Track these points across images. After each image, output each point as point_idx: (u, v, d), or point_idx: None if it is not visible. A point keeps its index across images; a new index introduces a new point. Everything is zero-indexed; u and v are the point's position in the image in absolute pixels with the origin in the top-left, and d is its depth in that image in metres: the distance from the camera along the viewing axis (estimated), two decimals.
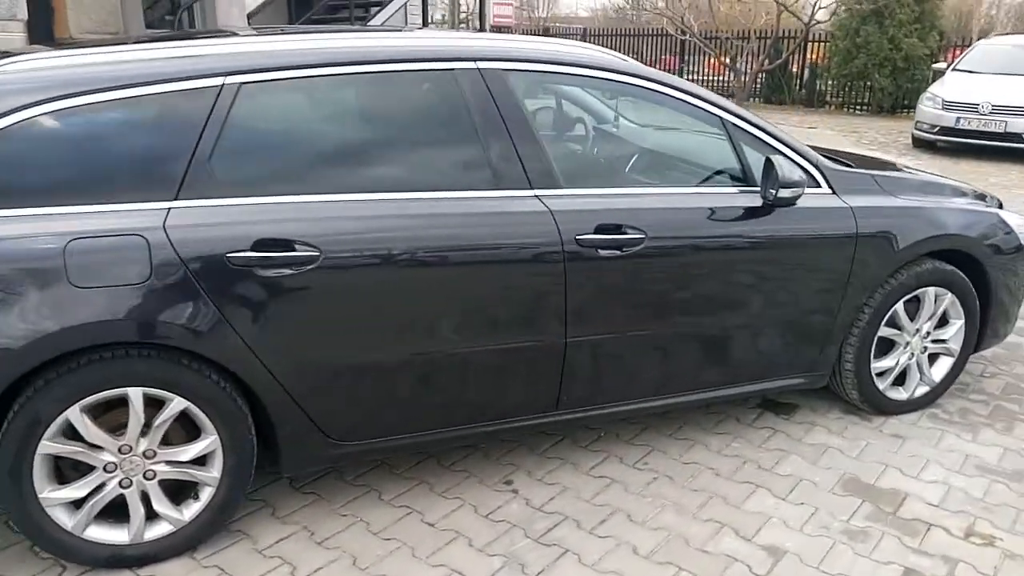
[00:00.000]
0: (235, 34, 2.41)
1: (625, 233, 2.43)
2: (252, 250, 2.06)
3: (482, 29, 11.58)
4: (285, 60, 2.19)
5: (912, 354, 3.09)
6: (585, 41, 20.17)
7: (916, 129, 10.70)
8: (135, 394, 2.03)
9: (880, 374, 3.05)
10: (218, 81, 2.11)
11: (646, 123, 2.82)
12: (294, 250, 2.09)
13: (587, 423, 2.76)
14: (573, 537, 2.35)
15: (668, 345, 2.63)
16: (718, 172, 2.71)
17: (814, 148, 3.75)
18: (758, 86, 17.63)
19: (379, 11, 9.59)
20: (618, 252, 2.43)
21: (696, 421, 3.03)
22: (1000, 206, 3.33)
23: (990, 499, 2.56)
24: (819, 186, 2.77)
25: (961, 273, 3.01)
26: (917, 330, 3.05)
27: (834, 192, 2.78)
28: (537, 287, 2.36)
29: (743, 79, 17.69)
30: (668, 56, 19.65)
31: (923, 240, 2.88)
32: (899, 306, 2.95)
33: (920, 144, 10.71)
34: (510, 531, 2.37)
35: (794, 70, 17.31)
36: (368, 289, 2.20)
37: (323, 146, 2.26)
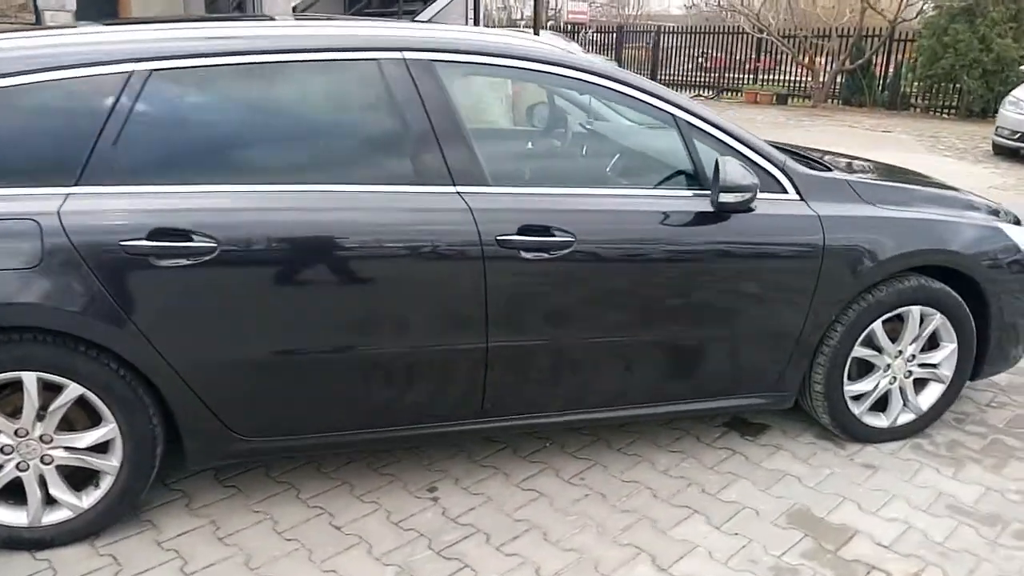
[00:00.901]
0: (162, 21, 2.39)
1: (553, 235, 2.30)
2: (148, 239, 2.03)
3: (536, 24, 11.45)
4: (198, 48, 2.16)
5: (894, 378, 2.83)
6: (659, 39, 19.80)
7: (996, 135, 10.00)
8: (29, 379, 2.04)
9: (857, 398, 2.81)
10: (127, 68, 2.09)
11: (595, 121, 2.67)
12: (191, 240, 2.06)
13: (517, 432, 2.64)
14: (476, 552, 2.24)
15: (605, 356, 2.48)
16: (668, 174, 2.54)
17: (819, 150, 3.53)
18: (837, 87, 16.88)
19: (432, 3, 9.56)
20: (545, 255, 2.30)
21: (652, 436, 2.87)
22: (1017, 222, 3.03)
23: (951, 543, 2.32)
24: (785, 192, 2.56)
25: (953, 292, 2.74)
26: (900, 352, 2.80)
27: (802, 199, 2.57)
28: (454, 288, 2.26)
29: (821, 79, 17.00)
30: (744, 55, 19.03)
31: (903, 254, 2.63)
32: (876, 325, 2.71)
33: (1001, 151, 10.00)
34: (415, 541, 2.28)
35: (877, 71, 16.48)
36: (267, 283, 2.14)
37: (231, 136, 2.22)
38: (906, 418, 2.89)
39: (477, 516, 2.40)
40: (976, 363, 2.93)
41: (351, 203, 2.19)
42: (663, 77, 20.13)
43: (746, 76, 18.91)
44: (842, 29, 16.98)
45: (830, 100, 16.96)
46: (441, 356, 2.32)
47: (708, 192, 2.44)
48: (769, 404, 2.76)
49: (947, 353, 2.84)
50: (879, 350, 2.77)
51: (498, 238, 2.25)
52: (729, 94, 18.73)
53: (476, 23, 10.85)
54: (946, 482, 2.64)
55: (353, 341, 2.24)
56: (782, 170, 2.57)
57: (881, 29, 16.16)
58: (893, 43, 15.96)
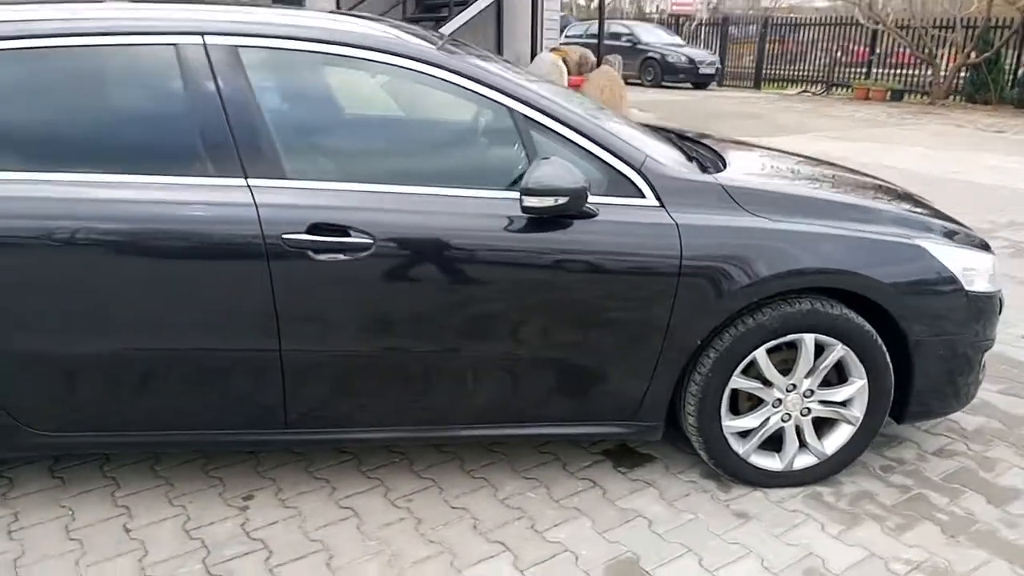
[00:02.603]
0: None
1: (348, 235, 2.11)
2: None
3: (601, 11, 11.04)
4: None
5: (788, 415, 2.45)
6: (766, 30, 18.75)
7: None
8: None
9: (745, 435, 2.45)
10: None
11: (420, 113, 2.42)
12: None
13: (330, 447, 2.49)
14: (249, 572, 2.09)
15: (419, 370, 2.26)
16: (498, 173, 2.27)
17: (753, 145, 3.14)
18: (959, 82, 15.43)
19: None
20: (340, 256, 2.11)
21: (513, 459, 2.62)
22: (983, 247, 2.55)
23: None
24: (641, 196, 2.25)
25: (858, 320, 2.33)
26: (793, 386, 2.41)
27: (661, 205, 2.25)
28: (238, 289, 2.11)
29: (942, 74, 15.61)
30: (858, 47, 17.74)
31: (782, 274, 2.25)
32: (759, 354, 2.34)
33: None
34: (193, 553, 2.16)
35: (1006, 65, 14.93)
36: (44, 276, 2.06)
37: (12, 122, 2.15)
38: (805, 462, 2.50)
39: (274, 531, 2.25)
40: (901, 403, 2.50)
41: (136, 195, 2.08)
42: (771, 71, 19.12)
43: (859, 70, 17.63)
44: (967, 19, 15.48)
45: (952, 97, 15.53)
46: (230, 362, 2.18)
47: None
48: (633, 434, 2.44)
49: (854, 390, 2.42)
50: (766, 382, 2.40)
51: (284, 236, 2.08)
52: (839, 90, 17.53)
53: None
54: (824, 541, 2.24)
55: (132, 341, 2.13)
56: (639, 171, 2.25)
57: (1012, 19, 14.61)
58: None
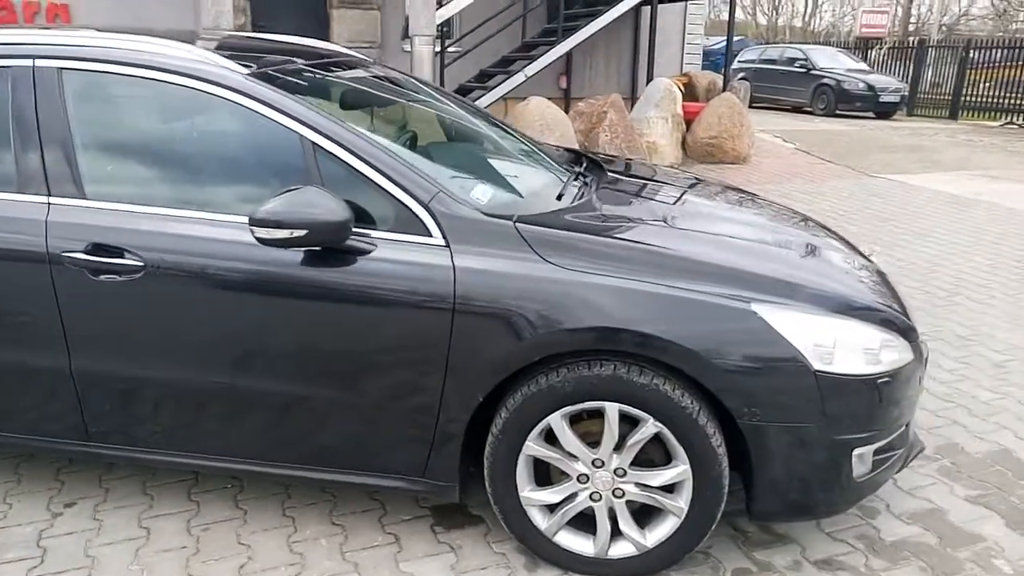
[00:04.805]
0: None
1: (123, 257, 2.13)
2: None
3: (730, 33, 10.39)
4: None
5: (598, 495, 2.13)
6: (967, 54, 16.76)
7: None
8: None
9: (552, 509, 2.17)
10: None
11: (220, 138, 2.32)
12: None
13: (128, 463, 2.51)
14: None
15: (196, 398, 2.22)
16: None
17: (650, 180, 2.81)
18: None
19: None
20: (117, 277, 2.14)
21: (345, 501, 2.50)
22: (907, 333, 2.12)
23: None
24: (428, 235, 2.07)
25: (671, 393, 1.98)
26: (601, 462, 2.09)
27: (447, 245, 2.05)
28: (29, 304, 2.19)
29: None
30: None
31: (565, 331, 1.97)
32: (554, 419, 2.06)
33: None
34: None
35: None
36: None
37: None
38: (623, 551, 2.16)
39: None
40: (748, 498, 2.10)
41: None
42: (972, 98, 17.07)
43: None
44: None
45: None
46: (29, 373, 2.27)
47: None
48: (425, 492, 2.24)
49: (673, 475, 2.06)
50: (568, 453, 2.10)
51: (65, 254, 2.14)
52: None
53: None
54: None
55: None
56: (426, 208, 2.07)
57: None
58: None
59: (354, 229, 2.04)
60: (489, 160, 2.82)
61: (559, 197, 2.47)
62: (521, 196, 2.46)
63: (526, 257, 2.04)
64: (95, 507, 2.48)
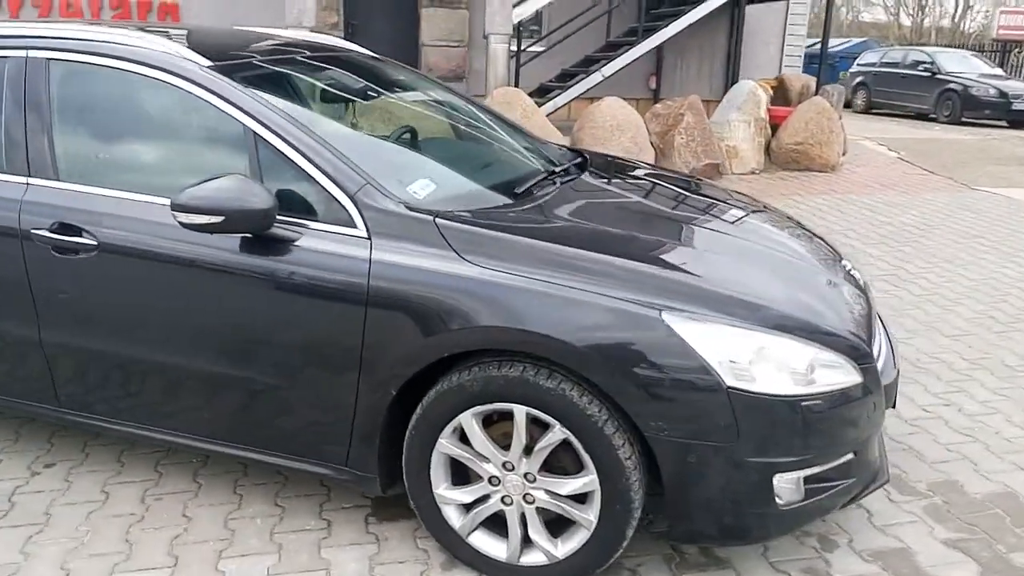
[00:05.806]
0: None
1: (80, 236, 2.26)
2: None
3: (826, 33, 9.81)
4: None
5: (509, 499, 2.08)
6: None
7: None
8: None
9: (467, 508, 2.14)
10: None
11: (182, 125, 2.39)
12: None
13: (93, 431, 2.63)
14: None
15: (149, 373, 2.33)
16: None
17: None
18: None
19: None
20: (75, 256, 2.28)
21: (296, 484, 2.56)
22: (858, 355, 1.99)
23: None
24: (353, 226, 2.09)
25: (583, 400, 1.91)
26: (512, 465, 2.04)
27: (369, 237, 2.06)
28: (6, 277, 2.37)
29: None
30: None
31: (464, 330, 1.94)
32: (464, 419, 2.03)
33: None
34: None
35: None
36: None
37: None
38: (534, 559, 2.10)
39: None
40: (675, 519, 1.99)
41: None
42: None
43: None
44: None
45: None
46: (6, 340, 2.45)
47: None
48: (350, 481, 2.25)
49: (580, 485, 1.98)
50: (479, 454, 2.07)
51: (34, 231, 2.30)
52: None
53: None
54: None
55: None
56: (352, 199, 2.09)
57: None
58: None
59: (284, 218, 2.10)
60: (457, 153, 2.81)
61: (515, 194, 2.43)
62: (473, 191, 2.44)
63: (443, 254, 2.02)
64: (70, 469, 2.65)
